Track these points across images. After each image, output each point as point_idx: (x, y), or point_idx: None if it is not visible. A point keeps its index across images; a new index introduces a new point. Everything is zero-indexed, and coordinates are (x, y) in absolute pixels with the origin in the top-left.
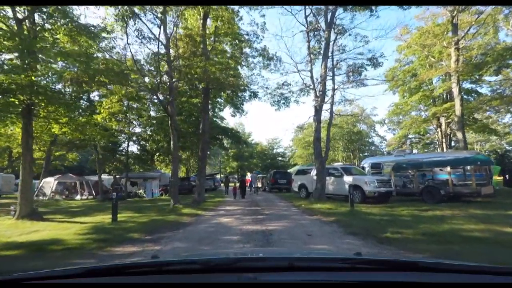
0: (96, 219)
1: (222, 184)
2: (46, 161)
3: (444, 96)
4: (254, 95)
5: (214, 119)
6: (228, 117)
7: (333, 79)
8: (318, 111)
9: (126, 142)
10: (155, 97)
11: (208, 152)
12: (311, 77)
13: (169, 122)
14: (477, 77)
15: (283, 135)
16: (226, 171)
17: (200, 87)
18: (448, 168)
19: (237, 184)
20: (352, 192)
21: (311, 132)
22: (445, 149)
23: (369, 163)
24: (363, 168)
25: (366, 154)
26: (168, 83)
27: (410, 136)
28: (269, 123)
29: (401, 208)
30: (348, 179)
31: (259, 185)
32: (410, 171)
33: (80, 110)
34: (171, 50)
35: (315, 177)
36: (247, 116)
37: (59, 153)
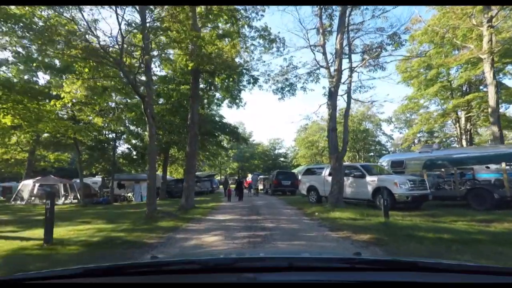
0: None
1: (221, 186)
2: (28, 162)
3: (464, 88)
4: (254, 80)
5: (213, 117)
6: (228, 116)
7: (349, 57)
8: (333, 94)
9: (116, 140)
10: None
11: (207, 153)
12: (324, 53)
13: (142, 106)
14: (503, 65)
15: (288, 126)
16: (226, 172)
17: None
18: (503, 165)
19: (232, 186)
20: (385, 198)
21: (314, 131)
22: (464, 146)
23: (389, 160)
24: None
25: (371, 154)
26: (144, 59)
27: (418, 134)
28: (270, 121)
29: (448, 217)
30: (371, 179)
31: (261, 187)
32: (443, 169)
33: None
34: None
35: (328, 178)
36: (245, 108)
37: (48, 154)
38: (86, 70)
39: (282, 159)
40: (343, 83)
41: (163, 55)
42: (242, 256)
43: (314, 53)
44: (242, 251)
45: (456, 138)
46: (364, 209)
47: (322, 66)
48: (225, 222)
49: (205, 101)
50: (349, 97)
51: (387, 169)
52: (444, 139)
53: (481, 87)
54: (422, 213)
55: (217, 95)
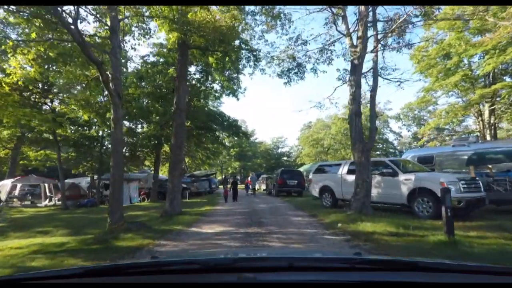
0: None
1: (221, 186)
2: (12, 160)
3: (486, 79)
4: (255, 58)
5: (213, 113)
6: (228, 113)
7: (374, 24)
8: (356, 67)
9: (104, 137)
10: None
11: (207, 151)
12: (344, 16)
13: (101, 78)
14: None
15: (292, 125)
16: (228, 172)
17: (172, 40)
18: None
19: (229, 186)
20: (448, 205)
21: (319, 128)
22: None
23: (414, 156)
24: None
25: (378, 152)
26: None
27: (425, 132)
28: (273, 118)
29: None
30: (406, 178)
31: (263, 186)
32: (491, 166)
33: None
34: None
35: (347, 177)
36: (245, 95)
37: (27, 152)
38: (34, 35)
39: (285, 158)
40: (372, 51)
41: (140, 23)
42: (242, 256)
43: (333, 12)
44: (242, 250)
45: (479, 133)
46: (401, 217)
47: (342, 34)
48: (213, 238)
49: (202, 95)
50: (375, 73)
51: (421, 166)
52: (456, 135)
53: (505, 77)
54: (483, 224)
55: (215, 86)
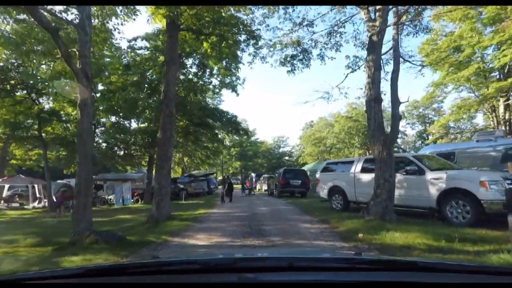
0: None
1: (220, 187)
2: (0, 159)
3: (504, 70)
4: (254, 39)
5: (212, 108)
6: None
7: None
8: (375, 45)
9: (96, 133)
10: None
11: (208, 151)
12: None
13: (60, 52)
14: None
15: (294, 125)
16: (228, 172)
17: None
18: None
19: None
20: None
21: (321, 127)
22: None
23: (432, 152)
24: None
25: None
26: None
27: (433, 130)
28: (275, 117)
29: None
30: (435, 177)
31: (264, 187)
32: None
33: None
34: None
35: (361, 176)
36: (244, 87)
37: (13, 150)
38: None
39: (287, 157)
40: (394, 24)
41: None
42: (242, 256)
43: None
44: (242, 251)
45: (492, 130)
46: (432, 225)
47: (358, 6)
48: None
49: (199, 90)
50: (396, 53)
51: (449, 163)
52: (463, 133)
53: None
54: None
55: (214, 81)
